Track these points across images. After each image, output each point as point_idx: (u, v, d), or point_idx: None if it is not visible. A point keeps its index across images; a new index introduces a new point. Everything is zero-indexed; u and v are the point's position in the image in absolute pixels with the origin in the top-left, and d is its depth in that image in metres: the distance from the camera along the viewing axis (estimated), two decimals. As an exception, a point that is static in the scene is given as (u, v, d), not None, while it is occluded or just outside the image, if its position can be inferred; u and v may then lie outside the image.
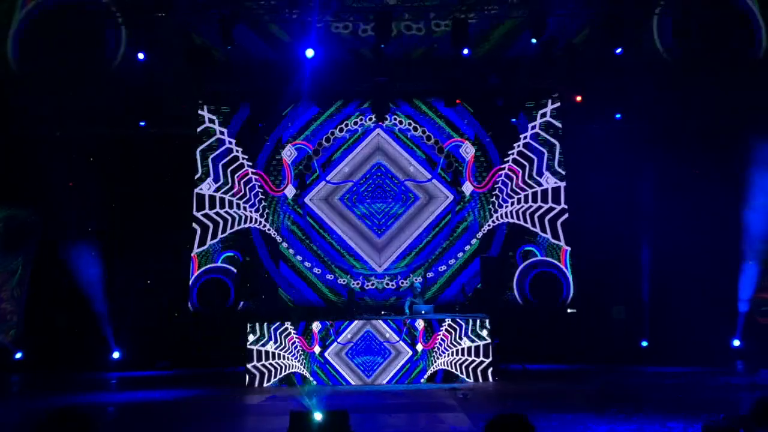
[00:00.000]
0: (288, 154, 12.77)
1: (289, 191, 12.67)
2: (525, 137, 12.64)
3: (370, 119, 12.78)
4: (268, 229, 12.54)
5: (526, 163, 12.60)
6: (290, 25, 11.18)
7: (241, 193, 12.55)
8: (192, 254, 12.26)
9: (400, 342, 9.88)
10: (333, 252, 12.55)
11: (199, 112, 12.64)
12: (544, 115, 12.65)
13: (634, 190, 11.98)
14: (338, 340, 9.87)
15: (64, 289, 11.70)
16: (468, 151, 12.76)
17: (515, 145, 12.64)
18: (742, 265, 12.02)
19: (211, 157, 12.58)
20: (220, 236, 12.40)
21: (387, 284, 12.42)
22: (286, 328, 9.87)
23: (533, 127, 12.66)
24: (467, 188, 12.67)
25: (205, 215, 12.42)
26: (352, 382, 9.77)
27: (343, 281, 12.40)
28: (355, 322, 9.98)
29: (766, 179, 11.34)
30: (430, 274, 11.84)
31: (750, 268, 11.85)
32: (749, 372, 10.25)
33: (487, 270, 12.12)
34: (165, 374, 11.15)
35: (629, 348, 11.67)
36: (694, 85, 11.45)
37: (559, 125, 12.57)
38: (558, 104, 12.60)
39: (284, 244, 12.53)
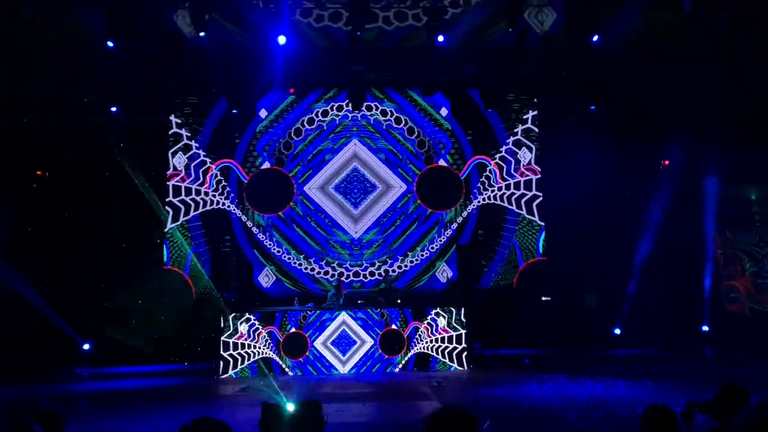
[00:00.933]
0: (263, 144, 12.63)
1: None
2: (504, 147, 12.71)
3: (347, 105, 12.68)
4: (245, 219, 12.43)
5: (509, 159, 12.70)
6: (263, 13, 10.95)
7: (212, 188, 12.41)
8: (165, 230, 12.11)
9: (369, 337, 9.96)
10: (318, 236, 12.52)
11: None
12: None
13: (609, 181, 12.10)
14: (320, 336, 9.91)
15: (33, 281, 11.40)
16: (444, 139, 12.75)
17: (500, 148, 12.70)
18: (711, 253, 12.31)
19: (183, 154, 12.43)
20: (191, 215, 12.28)
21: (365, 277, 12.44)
22: (254, 322, 9.85)
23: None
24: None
25: (181, 200, 12.28)
26: (340, 370, 9.83)
27: (329, 271, 12.35)
28: (333, 322, 10.00)
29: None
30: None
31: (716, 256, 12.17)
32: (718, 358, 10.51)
33: (462, 258, 12.20)
34: (135, 367, 10.98)
35: (602, 335, 11.83)
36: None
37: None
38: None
39: (258, 232, 12.41)
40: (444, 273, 12.20)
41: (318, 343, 9.90)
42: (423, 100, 12.80)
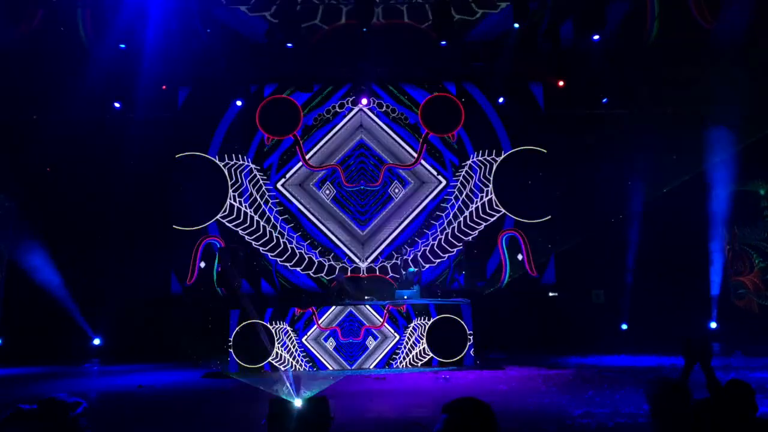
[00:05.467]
0: (271, 139, 12.66)
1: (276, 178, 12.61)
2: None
3: (351, 102, 12.69)
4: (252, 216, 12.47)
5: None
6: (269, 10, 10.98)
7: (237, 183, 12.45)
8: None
9: (384, 326, 9.98)
10: (319, 238, 12.47)
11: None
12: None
13: (615, 176, 12.05)
14: (320, 323, 9.94)
15: (40, 276, 11.52)
16: (450, 135, 12.73)
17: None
18: (719, 248, 12.24)
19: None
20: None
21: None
22: (275, 317, 9.93)
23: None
24: (450, 172, 12.66)
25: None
26: (334, 367, 9.86)
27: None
28: (345, 321, 10.04)
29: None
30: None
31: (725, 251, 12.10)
32: (724, 353, 10.47)
33: (471, 254, 12.20)
34: (144, 362, 11.09)
35: (608, 331, 11.80)
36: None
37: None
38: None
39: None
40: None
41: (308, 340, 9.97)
42: (428, 95, 12.77)
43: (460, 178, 12.61)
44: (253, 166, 12.51)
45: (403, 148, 12.65)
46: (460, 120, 12.62)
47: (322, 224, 12.37)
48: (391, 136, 12.65)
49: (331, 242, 12.34)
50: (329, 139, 12.60)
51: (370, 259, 12.29)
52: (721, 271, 12.00)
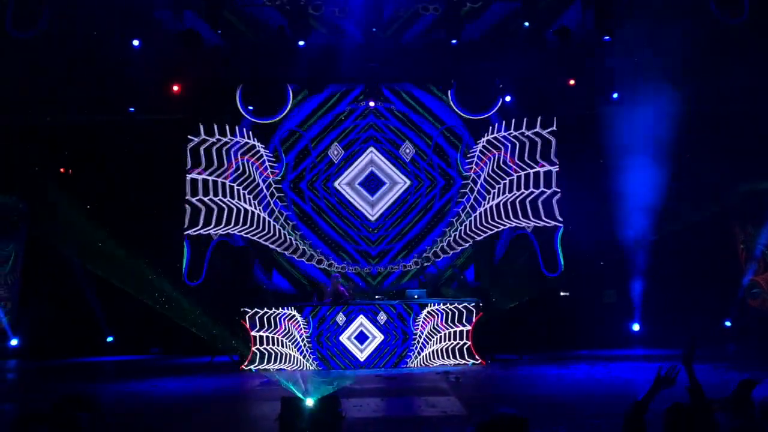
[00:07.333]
0: (281, 140, 12.71)
1: (285, 176, 12.66)
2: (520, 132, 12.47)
3: (361, 101, 12.73)
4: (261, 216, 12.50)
5: (517, 149, 12.49)
6: (282, 10, 11.00)
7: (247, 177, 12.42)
8: (185, 234, 12.16)
9: (386, 333, 10.09)
10: (333, 235, 12.68)
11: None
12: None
13: (628, 173, 11.94)
14: (340, 335, 10.09)
15: (55, 276, 11.66)
16: (460, 133, 12.72)
17: (509, 132, 12.53)
18: (733, 248, 12.15)
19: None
20: (213, 222, 12.26)
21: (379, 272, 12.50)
22: (291, 314, 9.99)
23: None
24: (458, 172, 12.66)
25: (199, 200, 12.27)
26: (351, 353, 10.00)
27: (325, 267, 12.43)
28: (354, 321, 10.14)
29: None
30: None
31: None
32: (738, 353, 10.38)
33: (479, 255, 12.18)
34: (157, 360, 11.19)
35: (620, 331, 11.74)
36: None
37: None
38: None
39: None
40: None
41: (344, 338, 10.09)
42: (439, 95, 12.77)
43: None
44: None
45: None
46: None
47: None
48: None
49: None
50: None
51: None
52: (736, 270, 11.90)
